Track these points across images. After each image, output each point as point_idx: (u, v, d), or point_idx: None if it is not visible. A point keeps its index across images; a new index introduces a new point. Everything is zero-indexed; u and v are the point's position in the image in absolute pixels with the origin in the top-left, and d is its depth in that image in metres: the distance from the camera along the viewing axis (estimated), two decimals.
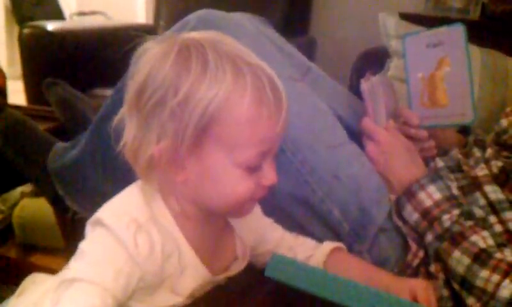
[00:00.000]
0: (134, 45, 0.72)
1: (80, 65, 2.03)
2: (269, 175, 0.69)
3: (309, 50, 2.11)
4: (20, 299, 0.83)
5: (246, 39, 1.03)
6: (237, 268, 0.79)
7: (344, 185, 0.94)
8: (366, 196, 0.95)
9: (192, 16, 1.04)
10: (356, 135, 1.04)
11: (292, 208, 0.96)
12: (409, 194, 0.92)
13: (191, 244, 0.71)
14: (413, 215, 0.91)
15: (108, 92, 1.18)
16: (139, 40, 0.73)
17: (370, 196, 0.96)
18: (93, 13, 3.49)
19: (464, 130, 1.16)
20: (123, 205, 0.70)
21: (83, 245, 0.68)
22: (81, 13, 3.59)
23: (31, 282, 0.86)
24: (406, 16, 1.72)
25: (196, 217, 0.72)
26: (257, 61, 0.69)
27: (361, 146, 1.02)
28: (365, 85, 1.03)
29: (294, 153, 0.94)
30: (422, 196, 0.91)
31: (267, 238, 0.85)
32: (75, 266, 0.66)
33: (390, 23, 1.65)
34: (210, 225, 0.75)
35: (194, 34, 0.69)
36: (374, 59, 1.70)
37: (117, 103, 1.11)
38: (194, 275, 0.72)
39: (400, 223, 0.94)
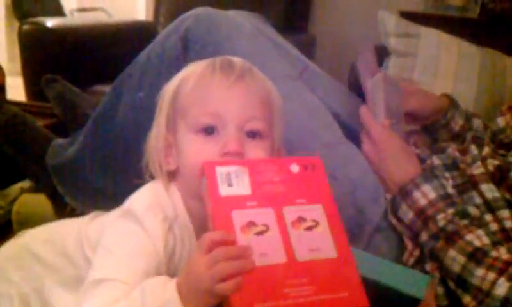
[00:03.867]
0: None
1: (80, 62, 2.03)
2: (227, 142, 0.70)
3: (308, 47, 2.11)
4: None
5: (243, 37, 1.04)
6: None
7: (340, 184, 0.94)
8: (362, 195, 0.95)
9: (190, 14, 1.04)
10: (354, 134, 1.04)
11: None
12: (404, 193, 0.93)
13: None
14: (408, 214, 0.92)
15: (107, 89, 1.19)
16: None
17: (366, 195, 0.96)
18: (93, 9, 3.49)
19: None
20: (155, 199, 0.73)
21: (110, 240, 0.70)
22: (81, 10, 3.59)
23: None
24: (405, 15, 1.73)
25: (199, 217, 0.73)
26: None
27: (359, 144, 1.02)
28: (368, 83, 1.03)
29: (290, 152, 0.95)
30: (416, 195, 0.91)
31: None
32: (104, 264, 0.68)
33: (390, 22, 1.65)
34: None
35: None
36: None
37: (115, 100, 1.12)
38: None
39: (395, 222, 0.94)
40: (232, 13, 1.11)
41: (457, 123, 1.14)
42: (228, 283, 0.58)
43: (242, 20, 1.09)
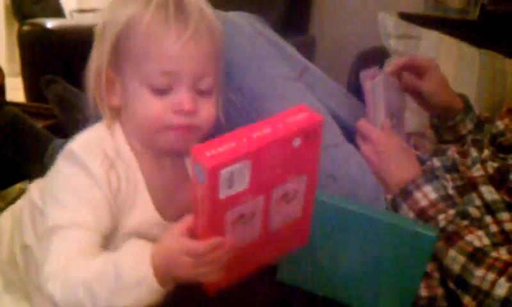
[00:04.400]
0: None
1: (80, 63, 2.02)
2: (180, 101, 0.71)
3: (308, 48, 2.11)
4: None
5: (243, 38, 1.04)
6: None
7: (339, 184, 0.94)
8: (362, 195, 0.95)
9: None
10: (353, 135, 1.04)
11: None
12: (405, 193, 0.93)
13: (148, 185, 0.75)
14: (408, 215, 0.92)
15: None
16: None
17: (366, 196, 0.96)
18: (92, 10, 3.48)
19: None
20: (96, 140, 0.74)
21: (56, 185, 0.71)
22: (81, 11, 3.59)
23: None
24: (405, 16, 1.73)
25: (147, 156, 0.76)
26: None
27: (358, 145, 1.02)
28: (368, 84, 1.03)
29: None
30: (418, 195, 0.91)
31: None
32: (53, 213, 0.69)
33: (390, 23, 1.65)
34: (166, 169, 0.78)
35: None
36: (373, 59, 1.70)
37: None
38: (142, 212, 0.74)
39: None
40: (231, 14, 1.11)
41: (466, 127, 1.12)
42: (211, 276, 0.62)
43: (242, 21, 1.09)
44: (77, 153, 0.71)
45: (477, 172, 0.97)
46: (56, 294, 0.65)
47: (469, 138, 1.09)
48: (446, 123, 1.12)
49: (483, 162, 0.98)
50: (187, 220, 0.63)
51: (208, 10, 0.76)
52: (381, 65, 1.65)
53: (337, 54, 2.15)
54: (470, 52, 1.55)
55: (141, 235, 0.72)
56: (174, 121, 0.72)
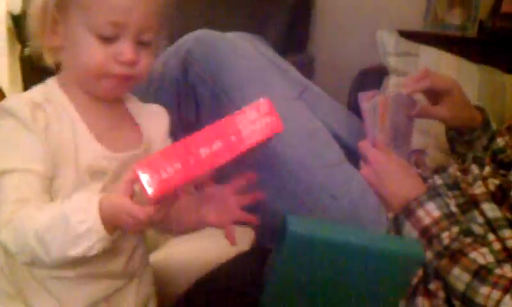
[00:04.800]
0: None
1: None
2: (123, 51, 0.73)
3: (308, 67, 2.12)
4: None
5: (242, 58, 1.05)
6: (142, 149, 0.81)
7: (341, 204, 0.94)
8: (364, 214, 0.95)
9: (189, 37, 1.05)
10: (354, 154, 1.04)
11: None
12: (407, 211, 0.92)
13: (86, 122, 0.76)
14: (411, 233, 0.91)
15: None
16: None
17: (368, 215, 0.95)
18: None
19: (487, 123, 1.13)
20: (25, 93, 0.77)
21: None
22: None
23: None
24: (404, 34, 1.73)
25: (84, 97, 0.77)
26: None
27: (358, 164, 1.02)
28: (365, 104, 1.04)
29: (290, 172, 0.94)
30: (420, 213, 0.91)
31: None
32: None
33: (389, 41, 1.65)
34: (104, 110, 0.79)
35: None
36: (373, 77, 1.71)
37: None
38: (88, 149, 0.75)
39: None
40: (231, 35, 1.12)
41: (482, 143, 1.11)
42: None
43: (241, 41, 1.10)
44: (4, 104, 0.73)
45: (478, 189, 0.97)
46: (9, 242, 0.68)
47: (470, 155, 1.09)
48: (463, 136, 1.12)
49: (484, 179, 0.98)
50: (130, 175, 0.64)
51: None
52: (381, 83, 1.66)
53: (337, 72, 2.16)
54: (469, 68, 1.55)
55: (94, 170, 0.75)
56: (115, 70, 0.74)
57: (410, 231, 0.91)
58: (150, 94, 1.07)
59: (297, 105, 1.04)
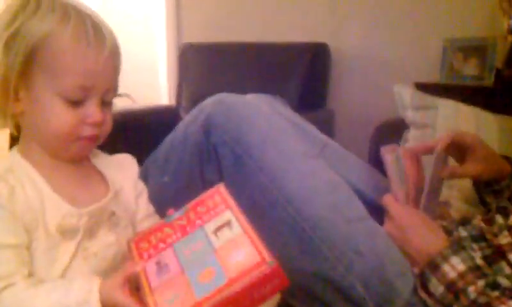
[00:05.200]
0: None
1: (106, 145, 2.06)
2: (93, 113, 0.76)
3: (327, 122, 2.14)
4: None
5: (261, 119, 1.07)
6: (110, 200, 0.84)
7: (365, 259, 0.94)
8: (390, 269, 0.94)
9: (210, 100, 1.09)
10: (377, 210, 1.04)
11: (313, 286, 0.96)
12: (432, 266, 0.91)
13: (51, 184, 0.77)
14: (438, 288, 0.90)
15: None
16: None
17: (394, 270, 0.95)
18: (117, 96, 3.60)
19: None
20: None
21: None
22: None
23: None
24: (421, 86, 1.75)
25: (48, 161, 0.79)
26: (88, 11, 0.78)
27: (382, 220, 1.02)
28: (388, 156, 1.04)
29: (313, 228, 0.95)
30: (446, 268, 0.90)
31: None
32: None
33: (406, 95, 1.67)
34: (69, 170, 0.81)
35: None
36: (392, 131, 1.72)
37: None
38: (55, 210, 0.76)
39: (426, 296, 0.93)
40: (249, 97, 1.15)
41: (510, 192, 1.10)
42: None
43: (260, 102, 1.13)
44: None
45: (504, 239, 0.95)
46: None
47: (493, 205, 1.08)
48: (491, 187, 1.11)
49: (510, 229, 0.97)
50: (127, 271, 0.70)
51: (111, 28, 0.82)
52: (400, 136, 1.67)
53: (356, 127, 2.17)
54: (488, 118, 1.55)
55: (64, 230, 0.76)
56: (85, 132, 0.77)
57: (437, 286, 0.90)
58: (170, 161, 1.10)
59: (317, 162, 1.05)
